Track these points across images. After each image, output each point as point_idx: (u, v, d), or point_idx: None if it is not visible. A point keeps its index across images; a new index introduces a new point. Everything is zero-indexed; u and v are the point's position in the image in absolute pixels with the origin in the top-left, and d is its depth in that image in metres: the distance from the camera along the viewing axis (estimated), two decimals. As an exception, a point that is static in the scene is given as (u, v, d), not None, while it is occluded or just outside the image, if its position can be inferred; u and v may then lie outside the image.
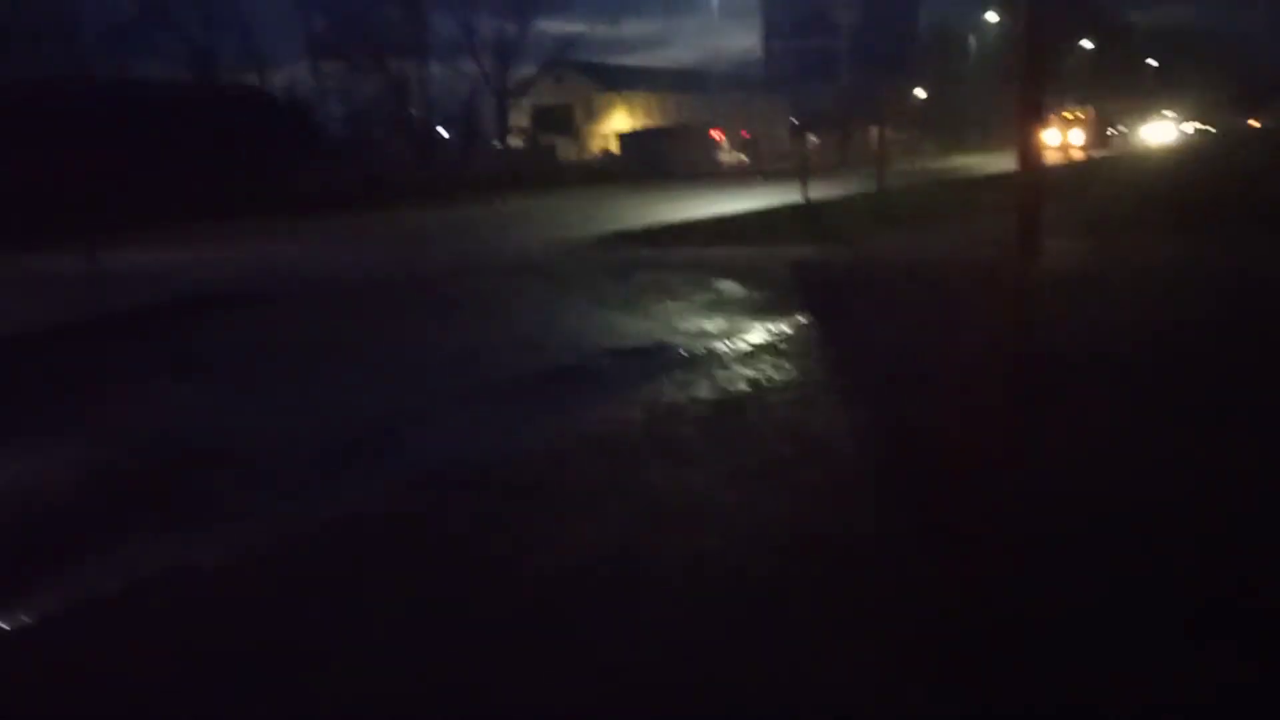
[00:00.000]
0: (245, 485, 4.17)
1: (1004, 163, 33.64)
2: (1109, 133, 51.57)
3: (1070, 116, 52.07)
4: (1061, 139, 48.50)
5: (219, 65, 45.38)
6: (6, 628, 2.93)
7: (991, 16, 54.50)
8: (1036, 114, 2.52)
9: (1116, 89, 49.45)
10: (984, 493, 3.54)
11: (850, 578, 2.90)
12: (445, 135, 53.05)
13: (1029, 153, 2.52)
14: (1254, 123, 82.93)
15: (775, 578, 2.92)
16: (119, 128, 25.85)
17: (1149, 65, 47.45)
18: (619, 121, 60.05)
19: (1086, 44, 50.55)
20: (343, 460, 4.40)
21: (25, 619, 2.96)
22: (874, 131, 40.30)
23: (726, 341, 6.33)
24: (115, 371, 6.74)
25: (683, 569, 2.99)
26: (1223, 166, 23.52)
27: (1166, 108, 57.62)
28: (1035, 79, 2.39)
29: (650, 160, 41.04)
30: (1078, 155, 40.52)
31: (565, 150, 50.63)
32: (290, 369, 6.51)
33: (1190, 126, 69.79)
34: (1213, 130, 76.43)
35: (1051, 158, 34.19)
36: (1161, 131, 55.51)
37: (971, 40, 56.85)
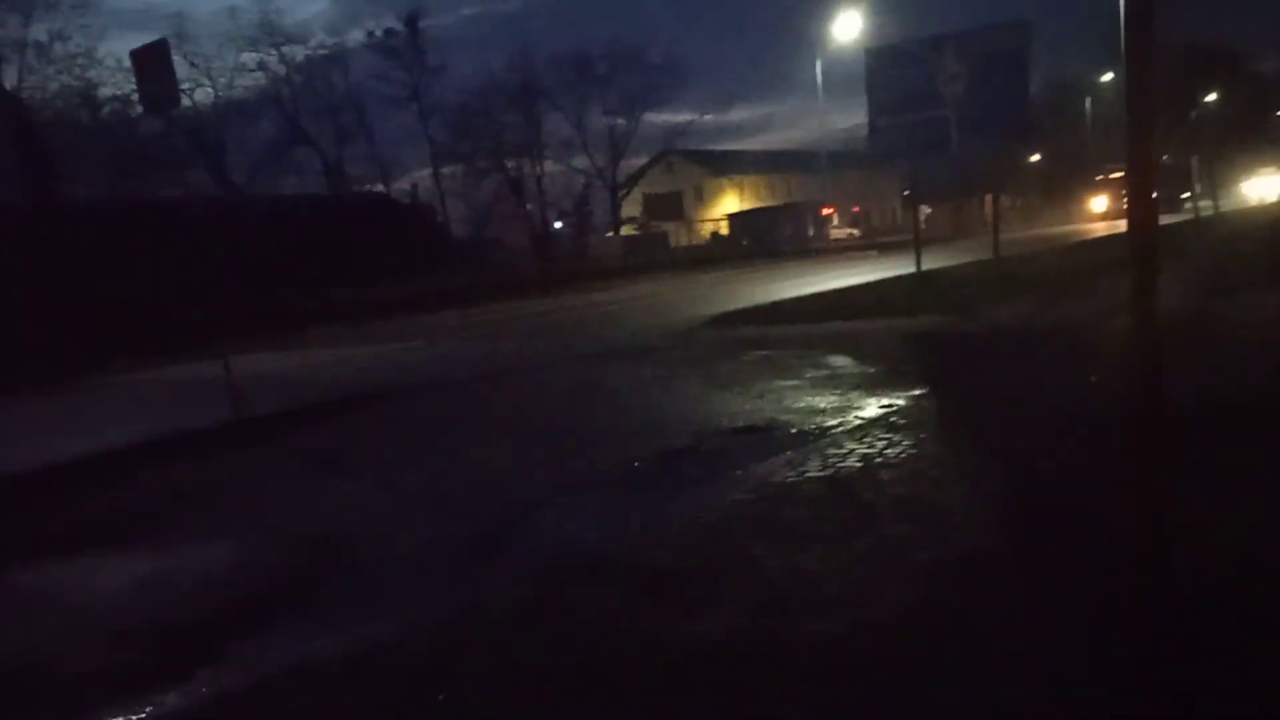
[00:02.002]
0: (372, 578, 4.32)
1: (1123, 225, 32.67)
2: (1184, 196, 44.88)
3: (1120, 176, 49.00)
4: (1109, 205, 45.90)
5: (349, 176, 48.10)
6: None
7: (1108, 76, 53.44)
8: (1149, 173, 2.49)
9: (1245, 141, 45.87)
10: (1120, 581, 3.38)
11: (973, 664, 2.81)
12: (560, 228, 54.66)
13: (1139, 214, 2.48)
14: None
15: (898, 663, 2.85)
16: (258, 240, 27.59)
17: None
18: (729, 204, 60.84)
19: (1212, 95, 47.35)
20: (469, 551, 4.51)
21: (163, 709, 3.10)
22: (988, 199, 39.95)
23: (838, 418, 6.27)
24: (250, 471, 7.11)
25: (801, 658, 2.95)
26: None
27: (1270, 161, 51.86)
28: (1144, 134, 2.37)
29: (760, 239, 41.40)
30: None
31: (677, 235, 51.44)
32: (416, 462, 6.74)
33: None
34: None
35: (1098, 228, 32.10)
36: (1265, 187, 49.90)
37: (1088, 101, 55.74)
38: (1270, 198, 47.71)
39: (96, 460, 7.51)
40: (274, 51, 45.99)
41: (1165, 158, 48.05)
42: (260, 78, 45.94)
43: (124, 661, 3.66)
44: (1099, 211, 46.54)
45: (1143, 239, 2.72)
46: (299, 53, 47.16)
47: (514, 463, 6.30)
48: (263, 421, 8.56)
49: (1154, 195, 2.83)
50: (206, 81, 43.51)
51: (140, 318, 20.20)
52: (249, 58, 45.31)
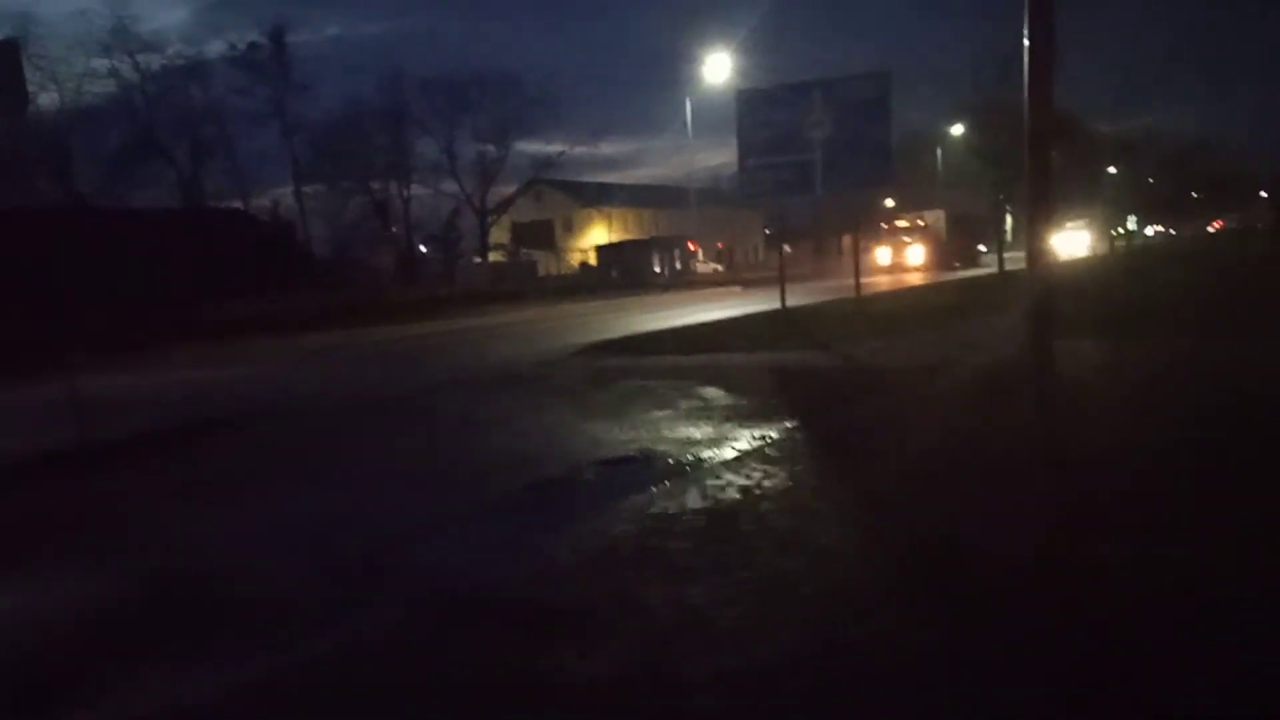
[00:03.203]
0: (242, 614, 4.10)
1: (977, 268, 34.53)
2: (980, 248, 41.25)
3: (907, 224, 40.91)
4: (893, 258, 39.39)
5: (205, 191, 46.22)
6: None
7: (956, 129, 56.43)
8: (1046, 218, 2.65)
9: (1076, 197, 48.13)
10: (990, 604, 3.50)
11: (859, 694, 2.86)
12: (426, 252, 53.87)
13: (1037, 257, 2.63)
14: (1216, 224, 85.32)
15: (786, 698, 2.87)
16: (106, 255, 26.10)
17: (1110, 173, 47.48)
18: (597, 235, 61.26)
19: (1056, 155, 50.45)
20: (333, 586, 4.33)
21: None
22: (848, 240, 41.15)
23: (714, 449, 6.34)
24: (98, 500, 6.67)
25: (689, 696, 2.94)
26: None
27: (1079, 215, 49.76)
28: (1040, 182, 2.51)
29: (627, 271, 41.76)
30: (917, 277, 32.29)
31: (545, 264, 51.41)
32: (279, 491, 6.45)
33: (1151, 229, 71.59)
34: (1172, 233, 78.62)
35: (877, 282, 27.37)
36: (1071, 243, 45.10)
37: (939, 152, 58.70)
38: (1076, 254, 43.30)
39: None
40: (128, 58, 43.94)
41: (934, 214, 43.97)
42: (112, 85, 43.79)
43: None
44: (883, 264, 39.32)
45: (1039, 284, 2.85)
46: (155, 61, 45.19)
47: (382, 494, 6.11)
48: (112, 447, 8.06)
49: (1047, 247, 2.99)
50: (53, 86, 41.17)
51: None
52: (100, 64, 43.14)
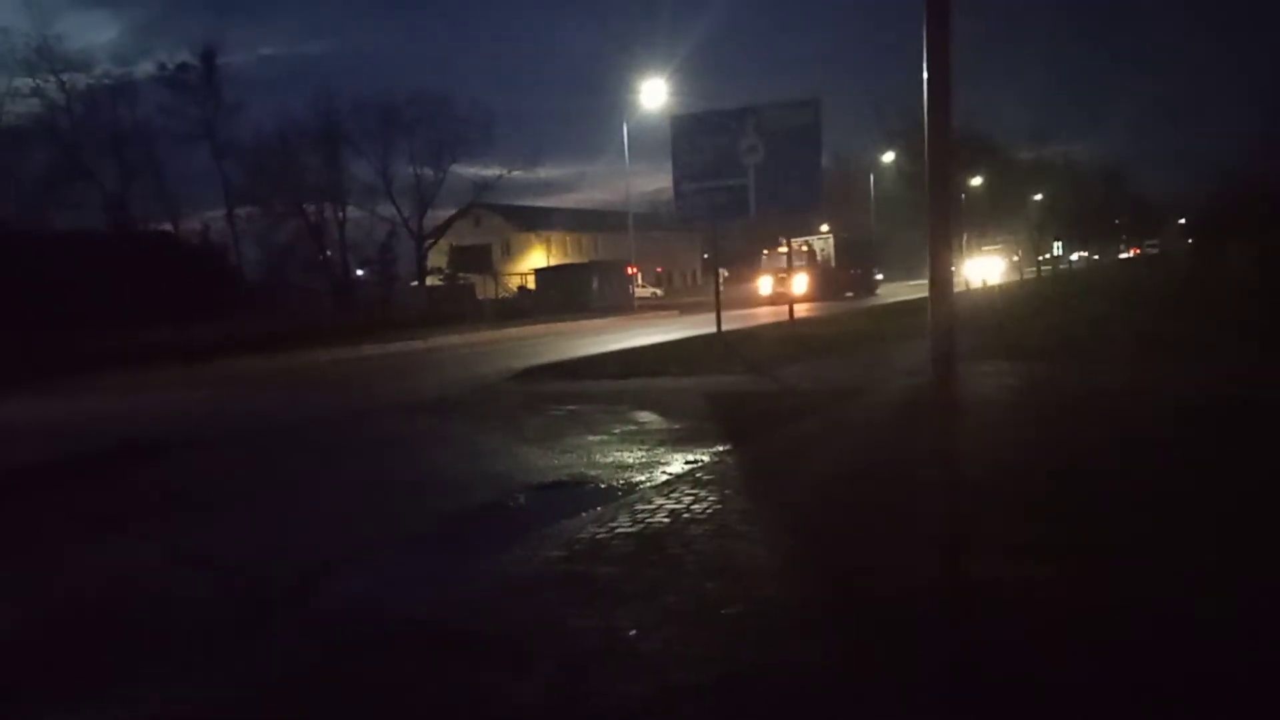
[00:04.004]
0: (159, 647, 3.98)
1: (907, 293, 35.12)
2: (877, 276, 40.04)
3: (789, 251, 32.52)
4: (774, 289, 35.84)
5: (134, 215, 45.14)
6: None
7: (888, 157, 57.64)
8: (947, 244, 2.75)
9: (1001, 222, 48.87)
10: (917, 622, 3.55)
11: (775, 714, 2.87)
12: (362, 275, 53.23)
13: (940, 283, 2.73)
14: (1133, 251, 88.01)
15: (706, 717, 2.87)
16: (25, 280, 25.34)
17: (1033, 199, 48.56)
18: (537, 259, 61.15)
19: (977, 180, 50.80)
20: (257, 614, 4.23)
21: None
22: (724, 271, 40.31)
23: (646, 473, 6.34)
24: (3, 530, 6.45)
25: (611, 717, 2.93)
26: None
27: (995, 239, 50.03)
28: (941, 207, 2.59)
29: (566, 295, 41.70)
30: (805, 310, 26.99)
31: (484, 288, 51.13)
32: (193, 521, 6.29)
33: (1076, 254, 73.55)
34: (1095, 257, 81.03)
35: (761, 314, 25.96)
36: (987, 268, 45.17)
37: (871, 178, 59.80)
38: (990, 279, 42.84)
39: None
40: (53, 78, 42.85)
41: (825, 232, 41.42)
42: (36, 105, 42.65)
43: None
44: (765, 295, 36.37)
45: (939, 304, 2.92)
46: (81, 81, 44.13)
47: (307, 521, 6.02)
48: (21, 474, 7.81)
49: (950, 271, 3.06)
50: (-28, 105, 40.00)
51: None
52: (23, 83, 42.01)
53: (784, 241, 35.39)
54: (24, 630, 4.33)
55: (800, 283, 33.26)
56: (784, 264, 33.42)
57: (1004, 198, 44.27)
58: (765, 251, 40.08)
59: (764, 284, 37.15)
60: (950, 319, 3.21)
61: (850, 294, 36.87)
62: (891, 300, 32.30)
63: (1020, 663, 3.10)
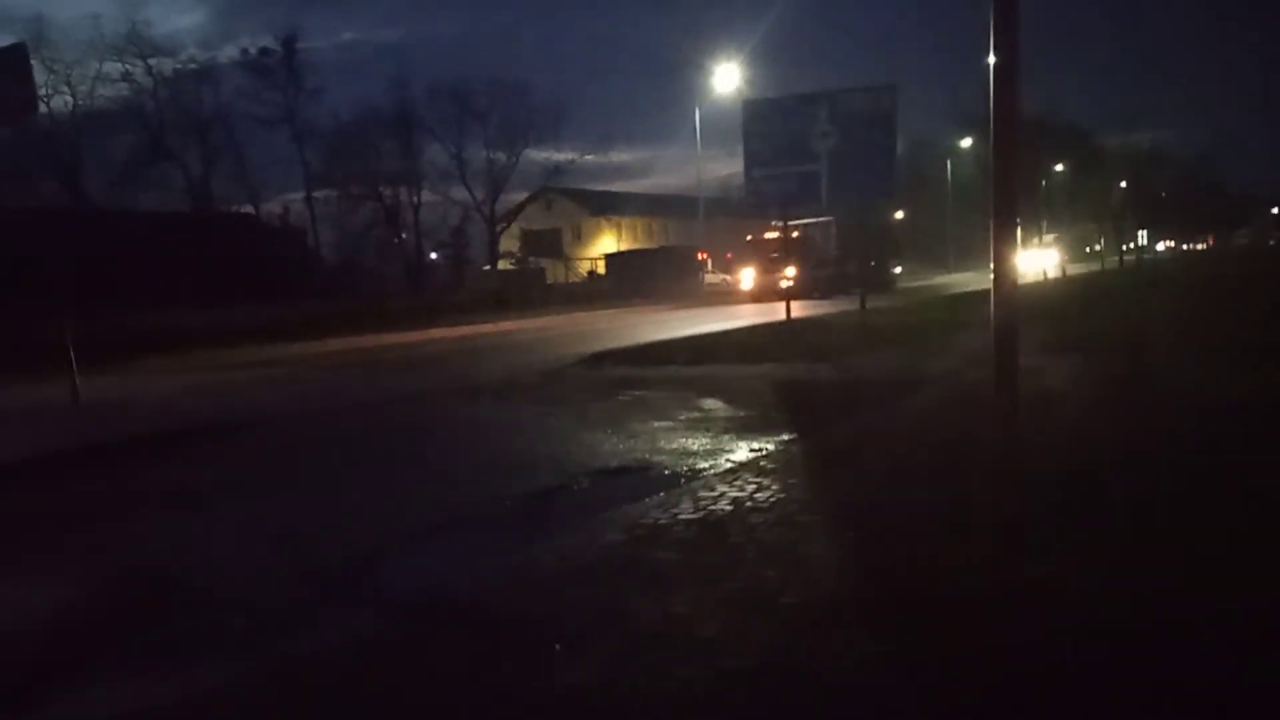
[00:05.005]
0: (228, 619, 4.10)
1: (982, 282, 34.13)
2: (895, 269, 34.00)
3: (774, 237, 28.98)
4: (757, 279, 30.40)
5: (215, 196, 46.37)
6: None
7: (966, 141, 56.49)
8: (1012, 233, 2.65)
9: (1087, 213, 47.12)
10: (983, 628, 3.48)
11: (834, 707, 2.84)
12: (435, 259, 53.96)
13: (1003, 274, 2.63)
14: (1208, 241, 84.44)
15: (761, 707, 2.85)
16: (112, 259, 26.22)
17: (1119, 187, 46.89)
18: (606, 244, 61.29)
19: (1059, 167, 49.28)
20: (319, 593, 4.33)
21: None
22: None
23: (710, 460, 6.32)
24: (84, 505, 6.69)
25: (666, 701, 2.92)
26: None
27: (1050, 231, 45.19)
28: (1006, 196, 2.50)
29: (636, 280, 41.67)
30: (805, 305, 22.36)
31: (554, 272, 51.47)
32: (266, 498, 6.46)
33: (1161, 245, 71.27)
34: (1183, 248, 78.44)
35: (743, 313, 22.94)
36: (1042, 260, 37.07)
37: (948, 164, 58.75)
38: (1050, 272, 35.76)
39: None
40: (140, 62, 44.17)
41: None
42: (124, 89, 44.04)
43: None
44: (747, 289, 31.06)
45: (1004, 293, 2.84)
46: (168, 65, 45.42)
47: (374, 500, 6.12)
48: (106, 449, 8.09)
49: (1014, 258, 2.98)
50: (65, 89, 41.43)
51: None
52: (113, 67, 43.39)
53: (776, 226, 29.91)
54: (106, 597, 4.49)
55: (787, 275, 27.42)
56: (771, 253, 29.02)
57: (1085, 185, 42.97)
58: (748, 237, 33.63)
59: (745, 277, 31.49)
60: (1013, 311, 3.12)
61: (856, 290, 26.63)
62: (956, 290, 31.35)
63: (1086, 672, 3.02)
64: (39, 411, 10.67)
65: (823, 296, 26.31)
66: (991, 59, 2.77)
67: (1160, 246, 71.88)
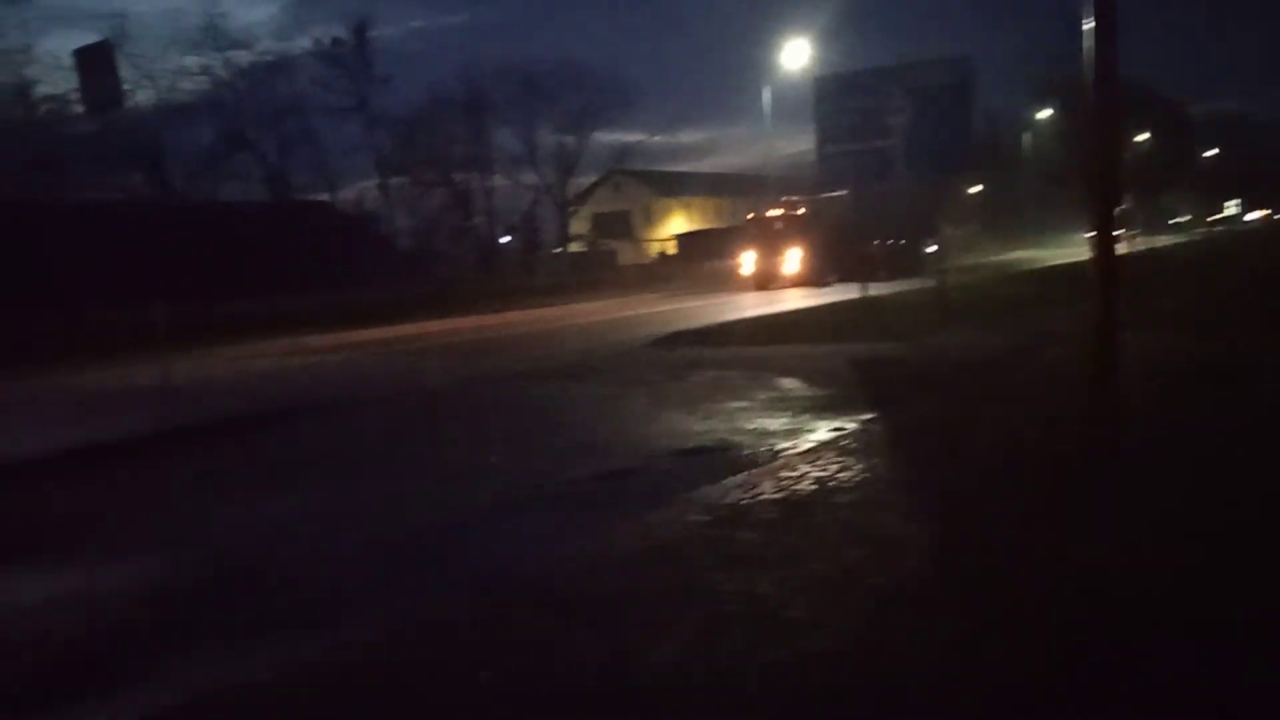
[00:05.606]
0: (317, 594, 4.20)
1: (1060, 256, 33.34)
2: (929, 247, 25.74)
3: (783, 214, 26.97)
4: (759, 265, 26.15)
5: (292, 185, 47.29)
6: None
7: (1045, 113, 54.90)
8: (1112, 203, 2.56)
9: (1173, 181, 45.11)
10: (1056, 604, 3.39)
11: (919, 691, 2.79)
12: (507, 242, 54.40)
13: (1103, 245, 2.53)
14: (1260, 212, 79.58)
15: (844, 690, 2.82)
16: (196, 246, 26.99)
17: (1205, 156, 45.00)
18: (676, 225, 61.14)
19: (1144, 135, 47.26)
20: (404, 568, 4.41)
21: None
22: (939, 227, 34.71)
23: (790, 440, 6.27)
24: (172, 484, 6.90)
25: (749, 682, 2.90)
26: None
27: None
28: (1106, 164, 2.40)
29: (707, 260, 41.44)
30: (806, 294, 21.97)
31: (624, 254, 51.53)
32: (348, 477, 6.60)
33: (1252, 214, 68.28)
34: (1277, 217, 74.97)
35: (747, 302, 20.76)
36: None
37: (1026, 138, 57.19)
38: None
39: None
40: (218, 55, 45.19)
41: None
42: (203, 82, 45.09)
43: (43, 678, 3.51)
44: (748, 275, 26.90)
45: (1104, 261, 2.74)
46: (244, 58, 46.38)
47: (456, 479, 6.19)
48: (195, 431, 8.32)
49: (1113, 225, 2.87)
50: (148, 83, 42.59)
51: (55, 323, 19.54)
52: (192, 61, 44.45)
53: (783, 202, 28.12)
54: (201, 571, 4.63)
55: (793, 259, 25.36)
56: (775, 231, 26.22)
57: (1171, 155, 41.42)
58: (750, 215, 30.03)
59: (746, 260, 27.08)
60: (1113, 285, 3.01)
61: (883, 274, 20.86)
62: (1035, 266, 30.38)
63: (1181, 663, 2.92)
64: (135, 394, 11.03)
65: (840, 281, 23.39)
66: (1088, 23, 2.67)
67: (1250, 216, 69.08)
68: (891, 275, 18.10)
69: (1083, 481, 4.74)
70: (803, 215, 27.50)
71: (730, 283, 26.77)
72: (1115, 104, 2.65)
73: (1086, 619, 3.19)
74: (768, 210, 28.33)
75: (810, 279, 24.55)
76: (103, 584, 4.54)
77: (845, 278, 23.07)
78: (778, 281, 24.90)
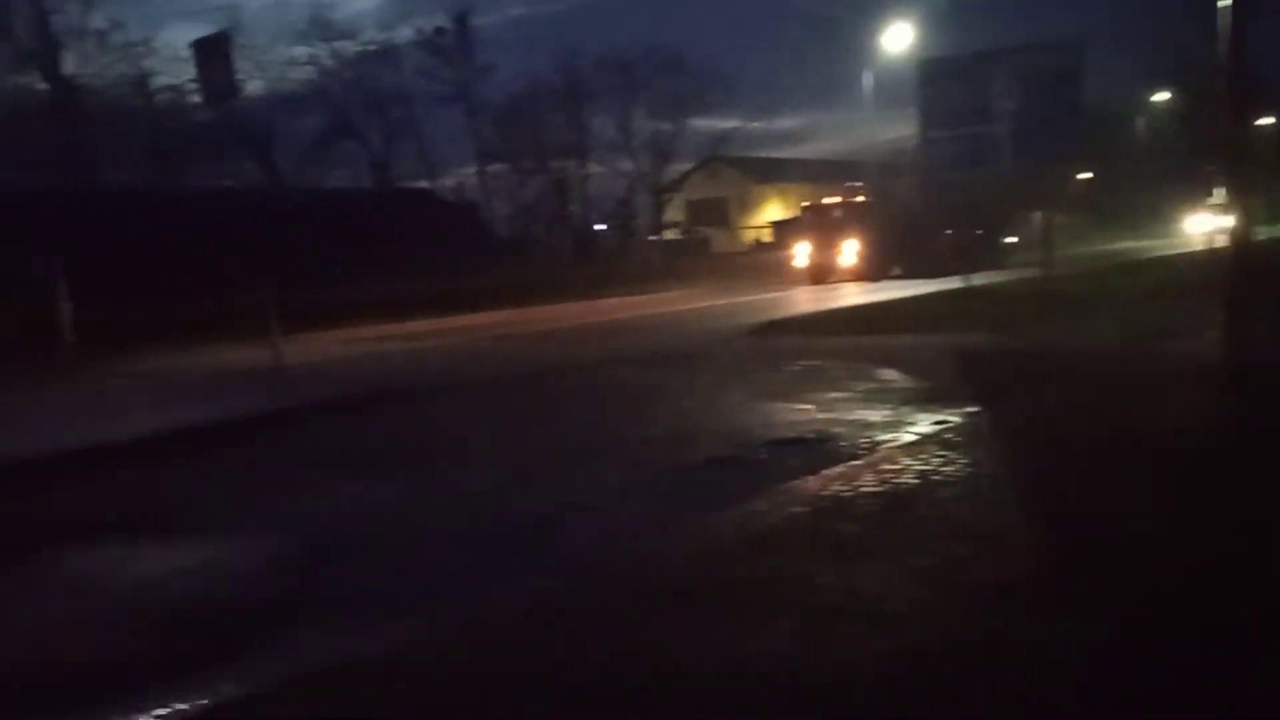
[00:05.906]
0: (413, 577, 4.33)
1: (1173, 245, 31.83)
2: (1007, 239, 26.61)
3: (840, 202, 25.81)
4: (814, 257, 24.49)
5: (396, 172, 48.43)
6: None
7: (1161, 95, 52.54)
8: (1246, 190, 2.43)
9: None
10: (1170, 598, 3.28)
11: (1025, 689, 2.74)
12: (602, 230, 54.71)
13: (1240, 233, 2.41)
14: None
15: (947, 684, 2.78)
16: (304, 232, 27.88)
17: None
18: (772, 212, 60.58)
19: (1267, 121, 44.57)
20: (505, 553, 4.50)
21: (194, 709, 3.05)
22: (1038, 216, 33.69)
23: (891, 433, 6.19)
24: (284, 464, 7.17)
25: (850, 676, 2.89)
26: None
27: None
28: (1240, 152, 2.29)
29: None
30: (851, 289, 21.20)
31: (719, 241, 51.35)
32: (448, 463, 6.73)
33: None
34: None
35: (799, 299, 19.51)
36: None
37: (1139, 121, 54.86)
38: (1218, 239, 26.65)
39: (103, 453, 7.39)
40: (324, 46, 46.43)
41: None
42: (310, 72, 46.41)
43: (157, 652, 3.69)
44: (801, 266, 24.96)
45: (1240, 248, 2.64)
46: (349, 48, 47.57)
47: (547, 469, 6.28)
48: (299, 413, 8.62)
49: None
50: (258, 74, 44.04)
51: (173, 306, 20.38)
52: (300, 51, 45.78)
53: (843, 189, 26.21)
54: (312, 555, 4.81)
55: (850, 250, 23.74)
56: (832, 221, 24.73)
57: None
58: (804, 205, 28.04)
59: (799, 252, 25.22)
60: (1246, 272, 2.89)
61: (956, 267, 19.21)
62: (1146, 255, 28.78)
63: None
64: (248, 376, 11.47)
65: (904, 275, 22.68)
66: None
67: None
68: (963, 269, 17.17)
69: (1208, 479, 4.58)
70: (863, 204, 26.13)
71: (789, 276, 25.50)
72: (1250, 83, 2.55)
73: (1223, 628, 3.08)
74: (824, 198, 26.79)
75: (870, 273, 23.38)
76: (231, 559, 4.76)
77: (910, 272, 22.67)
78: (834, 275, 23.80)
